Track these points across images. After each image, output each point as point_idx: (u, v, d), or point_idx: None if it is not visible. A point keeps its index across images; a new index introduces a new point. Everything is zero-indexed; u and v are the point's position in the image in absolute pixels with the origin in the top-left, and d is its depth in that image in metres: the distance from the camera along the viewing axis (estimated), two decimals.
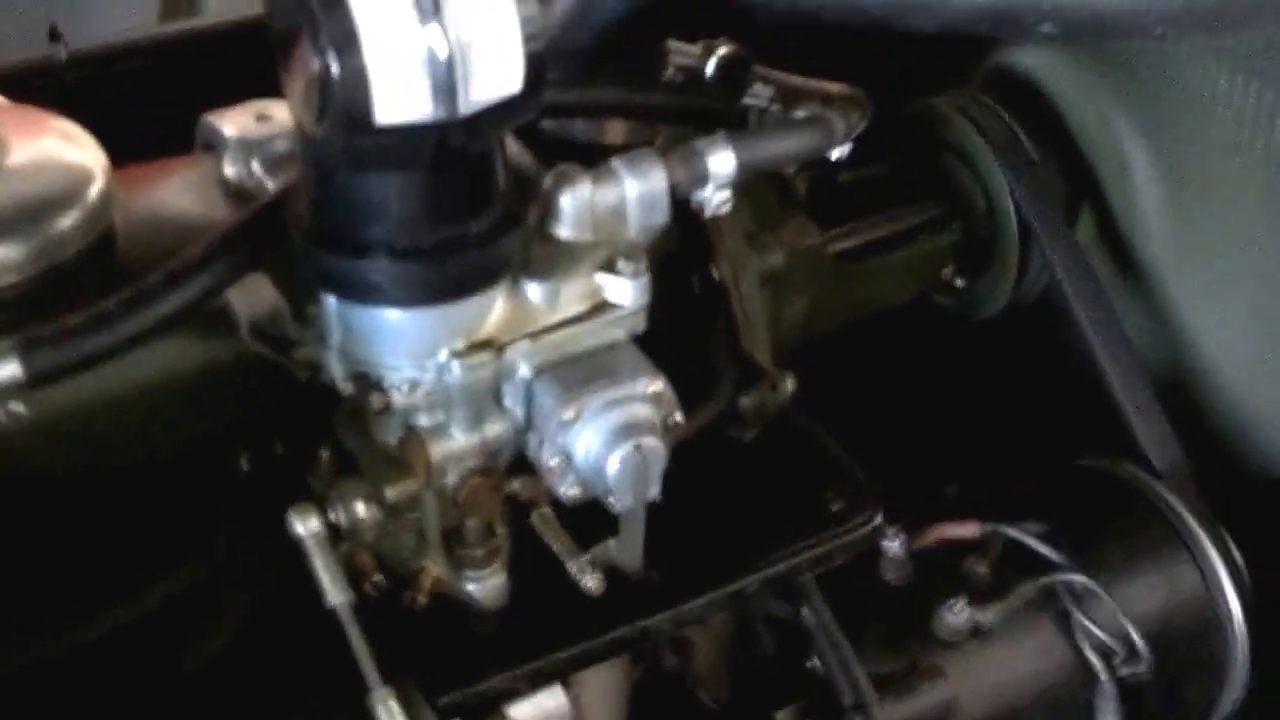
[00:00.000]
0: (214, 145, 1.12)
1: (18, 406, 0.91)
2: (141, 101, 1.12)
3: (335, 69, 0.86)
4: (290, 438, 1.07)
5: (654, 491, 1.00)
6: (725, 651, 1.29)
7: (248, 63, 1.03)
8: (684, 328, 1.23)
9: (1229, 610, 1.34)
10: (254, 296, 1.01)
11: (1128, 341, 1.44)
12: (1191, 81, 1.40)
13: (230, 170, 1.10)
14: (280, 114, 1.11)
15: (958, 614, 1.22)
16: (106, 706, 1.03)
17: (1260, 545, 1.37)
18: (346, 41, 0.86)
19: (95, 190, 1.03)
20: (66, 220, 1.01)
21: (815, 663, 1.20)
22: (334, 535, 1.00)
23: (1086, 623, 1.26)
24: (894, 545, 1.25)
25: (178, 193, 1.11)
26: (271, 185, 1.08)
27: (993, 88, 1.56)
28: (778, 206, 1.34)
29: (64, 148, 1.07)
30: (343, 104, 0.87)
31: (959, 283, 1.53)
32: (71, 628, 1.04)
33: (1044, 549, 1.28)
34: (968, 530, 1.28)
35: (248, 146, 1.10)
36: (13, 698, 1.01)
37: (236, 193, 1.10)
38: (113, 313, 0.93)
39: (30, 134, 1.07)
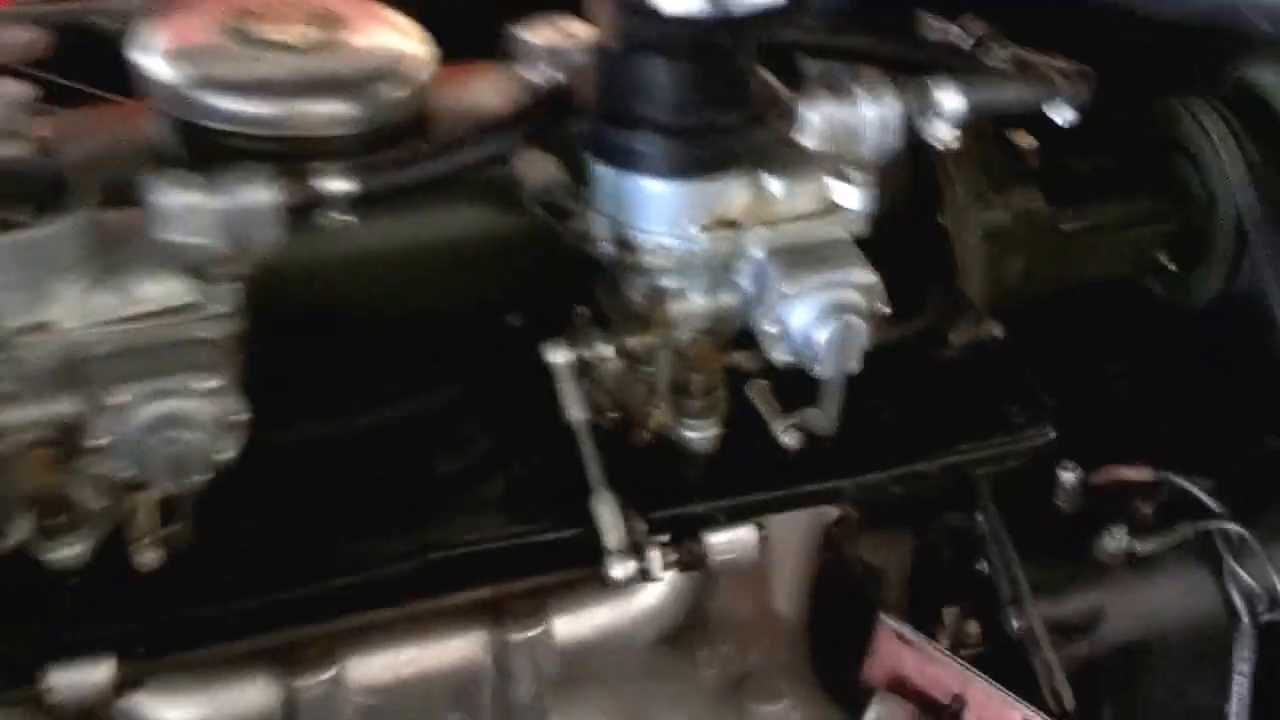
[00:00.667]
0: (516, 52, 1.29)
1: (343, 219, 1.10)
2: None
3: None
4: (557, 297, 1.23)
5: (853, 364, 1.16)
6: (909, 576, 1.43)
7: None
8: (908, 263, 1.38)
9: None
10: (539, 170, 1.17)
11: None
12: None
13: (530, 73, 1.27)
14: (577, 29, 1.27)
15: (1116, 540, 1.34)
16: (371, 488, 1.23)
17: None
18: None
19: (421, 70, 1.23)
20: (395, 90, 1.20)
21: (983, 566, 1.33)
22: (580, 371, 1.18)
23: (1238, 569, 1.36)
24: (1069, 477, 1.37)
25: (484, 88, 1.29)
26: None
27: (1228, 97, 1.66)
28: (1009, 172, 1.47)
29: (399, 34, 1.27)
30: None
31: (1172, 268, 1.63)
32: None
33: (1209, 500, 1.39)
34: (1140, 473, 1.40)
35: (546, 53, 1.26)
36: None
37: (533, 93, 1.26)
38: (429, 151, 1.14)
39: (372, 20, 1.27)
